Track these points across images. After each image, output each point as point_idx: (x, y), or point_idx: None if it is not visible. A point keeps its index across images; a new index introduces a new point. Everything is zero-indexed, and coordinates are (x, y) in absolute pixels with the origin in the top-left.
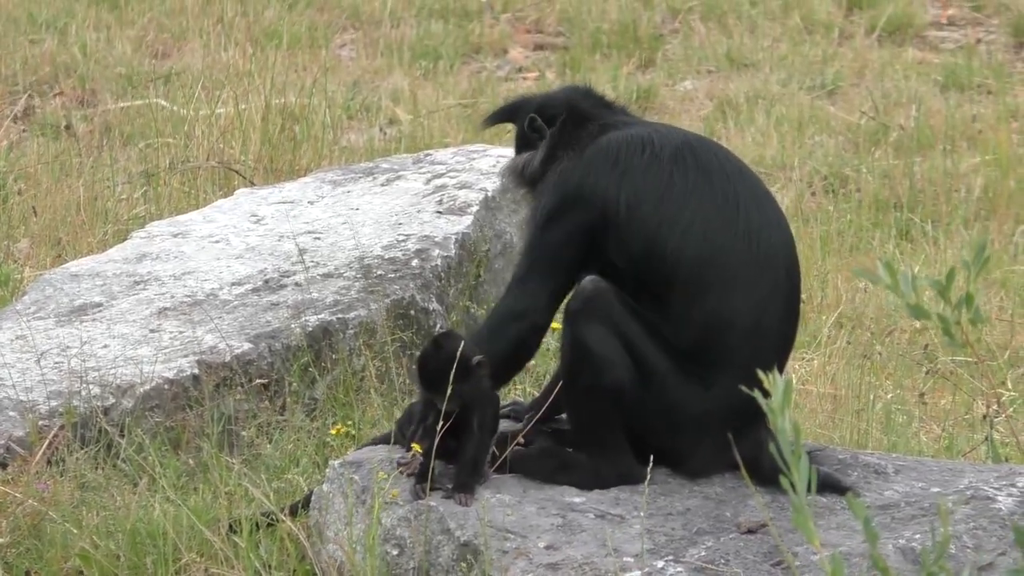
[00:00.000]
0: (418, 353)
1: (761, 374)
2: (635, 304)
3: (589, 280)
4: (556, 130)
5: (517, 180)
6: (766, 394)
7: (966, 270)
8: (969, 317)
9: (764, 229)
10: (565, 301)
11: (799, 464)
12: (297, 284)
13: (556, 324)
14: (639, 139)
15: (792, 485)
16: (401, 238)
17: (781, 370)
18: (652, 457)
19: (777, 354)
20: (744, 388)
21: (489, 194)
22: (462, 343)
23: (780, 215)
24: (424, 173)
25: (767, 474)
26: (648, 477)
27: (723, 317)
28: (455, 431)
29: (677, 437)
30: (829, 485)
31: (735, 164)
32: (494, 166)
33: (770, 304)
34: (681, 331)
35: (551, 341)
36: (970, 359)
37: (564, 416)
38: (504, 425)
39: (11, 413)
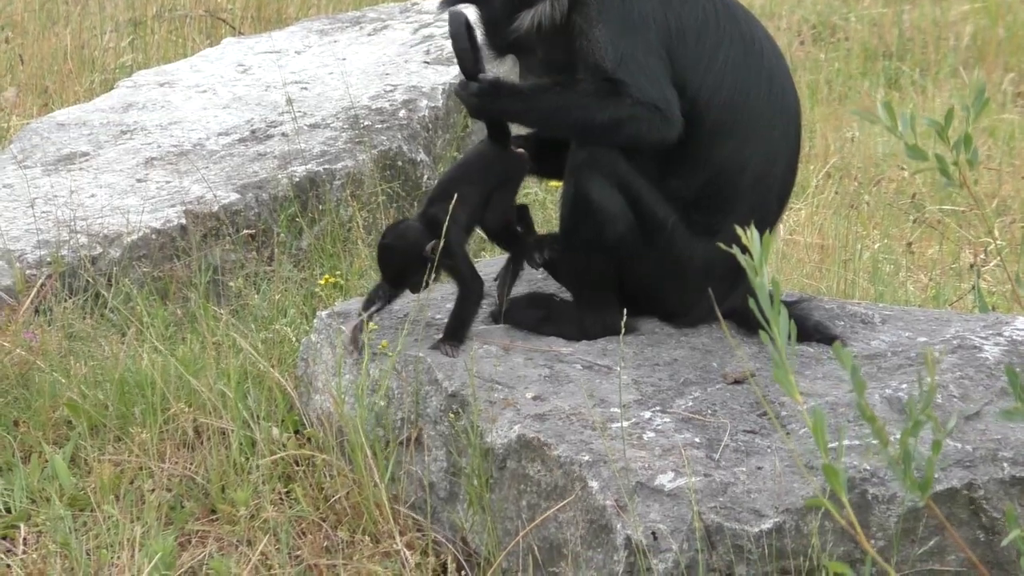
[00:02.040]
0: (376, 248)
1: (739, 229)
2: (642, 156)
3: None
4: None
5: (529, 36)
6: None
7: (964, 112)
8: (967, 158)
9: (779, 75)
10: (570, 154)
11: (779, 318)
12: (284, 134)
13: (556, 183)
14: None
15: (772, 339)
16: (388, 88)
17: (780, 218)
18: (639, 309)
19: (779, 201)
20: (722, 245)
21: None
22: (411, 234)
23: (787, 65)
24: (411, 22)
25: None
26: (636, 328)
27: (737, 162)
28: None
29: (681, 290)
30: (817, 334)
31: (748, 10)
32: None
33: (780, 150)
34: (692, 176)
35: (538, 191)
36: (958, 208)
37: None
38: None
39: None
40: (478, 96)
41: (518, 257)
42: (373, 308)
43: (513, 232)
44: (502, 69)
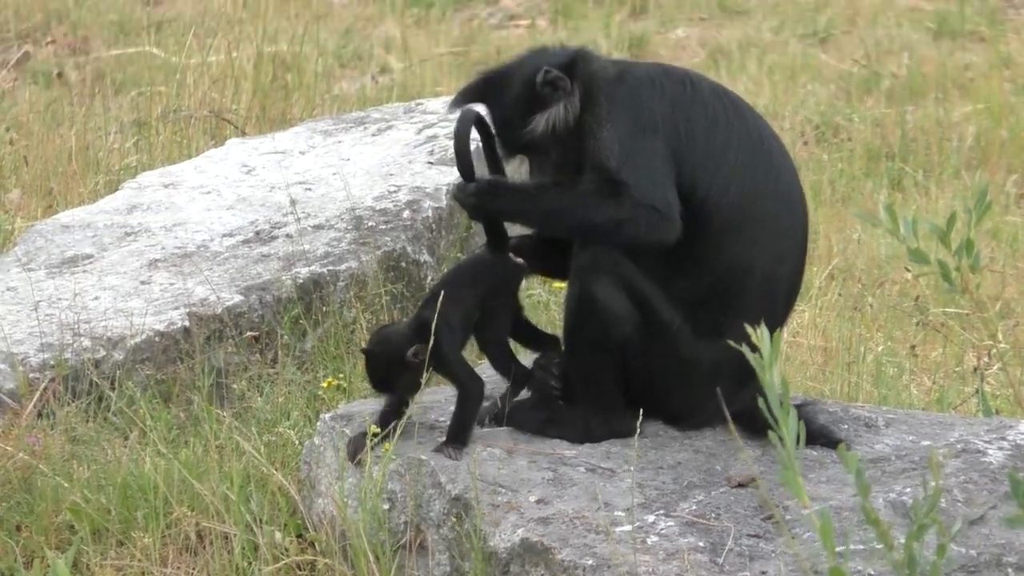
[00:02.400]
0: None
1: (748, 328)
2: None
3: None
4: (581, 73)
5: (544, 138)
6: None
7: (966, 216)
8: (969, 263)
9: (787, 175)
10: (574, 255)
11: (787, 419)
12: (288, 236)
13: (560, 284)
14: (675, 73)
15: (780, 440)
16: (392, 189)
17: (787, 319)
18: (643, 411)
19: (787, 302)
20: (731, 343)
21: (480, 145)
22: (392, 339)
23: (794, 164)
24: (415, 123)
25: (764, 426)
26: (640, 431)
27: (745, 262)
28: None
29: (686, 391)
30: (821, 437)
31: (755, 111)
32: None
33: (787, 251)
34: (699, 277)
35: (542, 292)
36: (962, 311)
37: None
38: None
39: (1, 366)
40: (476, 195)
41: (518, 382)
42: (390, 427)
43: (508, 354)
44: (508, 169)
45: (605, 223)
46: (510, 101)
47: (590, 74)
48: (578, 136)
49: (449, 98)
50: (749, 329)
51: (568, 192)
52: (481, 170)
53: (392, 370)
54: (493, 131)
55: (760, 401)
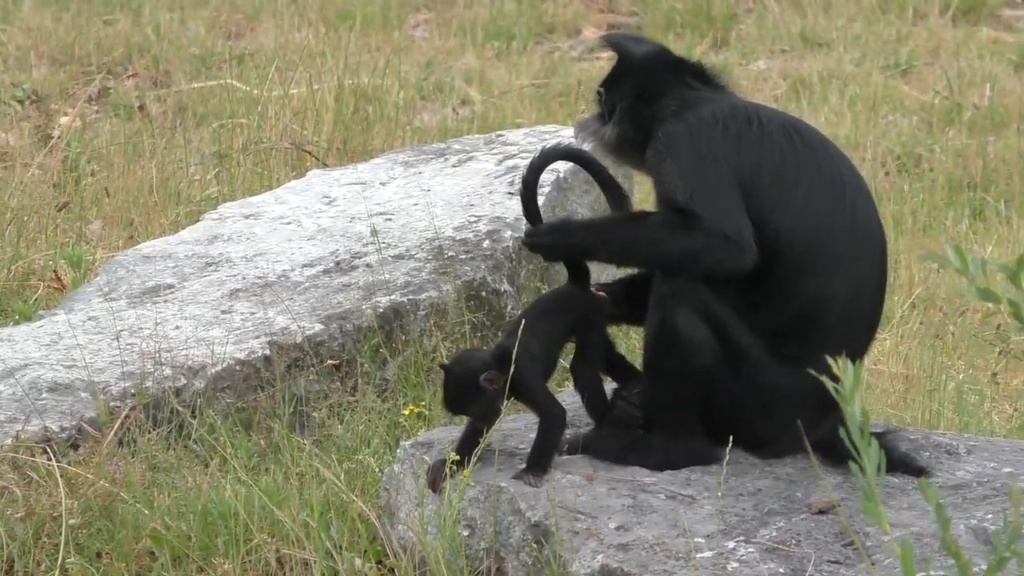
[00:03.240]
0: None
1: (830, 359)
2: (727, 287)
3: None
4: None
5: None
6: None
7: None
8: None
9: (862, 209)
10: (655, 285)
11: (868, 449)
12: (368, 265)
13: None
14: (743, 110)
15: (861, 469)
16: (472, 219)
17: (868, 349)
18: (724, 439)
19: (867, 334)
20: (813, 372)
21: (561, 175)
22: (472, 361)
23: (871, 195)
24: (496, 154)
25: (845, 454)
26: (720, 457)
27: (823, 297)
28: None
29: (766, 420)
30: (903, 465)
31: (830, 142)
32: None
33: (865, 284)
34: (778, 311)
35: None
36: None
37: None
38: None
39: (83, 394)
40: (549, 235)
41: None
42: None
43: (600, 390)
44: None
45: (679, 254)
46: None
47: (655, 106)
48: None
49: (529, 128)
50: (830, 360)
51: (640, 225)
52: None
53: (465, 392)
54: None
55: (842, 431)
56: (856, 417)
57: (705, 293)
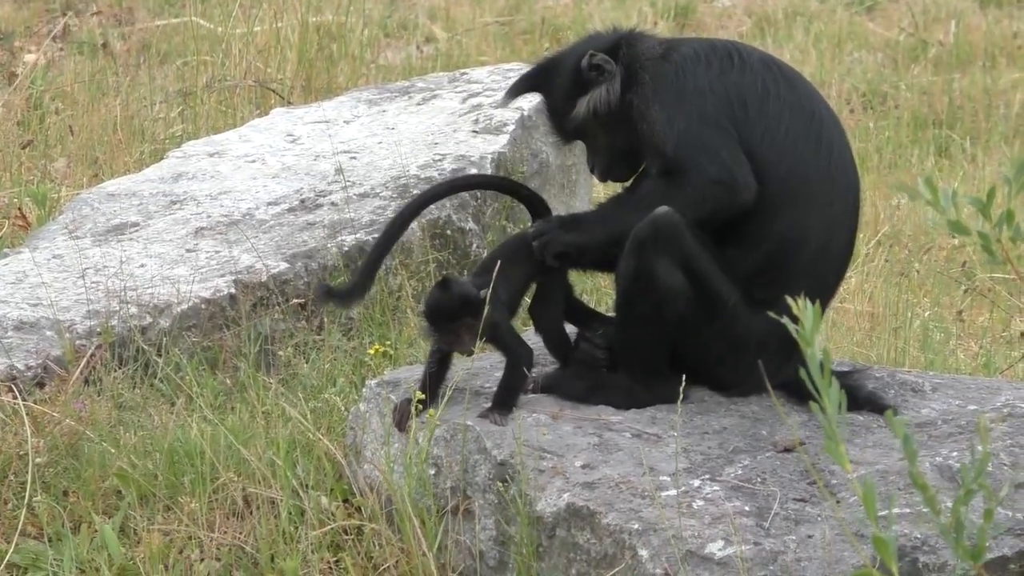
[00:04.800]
0: (424, 299)
1: (790, 299)
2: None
3: (662, 209)
4: (625, 55)
5: (588, 121)
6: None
7: (1006, 186)
8: (1010, 235)
9: (839, 147)
10: (634, 228)
11: (829, 389)
12: (333, 204)
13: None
14: (723, 47)
15: (822, 410)
16: (437, 157)
17: (837, 290)
18: (689, 377)
19: (837, 275)
20: (773, 315)
21: (525, 113)
22: (464, 283)
23: (847, 136)
24: (460, 92)
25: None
26: (687, 397)
27: (797, 234)
28: None
29: (736, 362)
30: (869, 404)
31: (807, 80)
32: None
33: (839, 223)
34: (752, 248)
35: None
36: (1009, 276)
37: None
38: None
39: (48, 333)
40: (563, 232)
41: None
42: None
43: (563, 333)
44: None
45: (679, 211)
46: (559, 88)
47: (634, 55)
48: (625, 118)
49: (493, 67)
50: (790, 301)
51: (636, 204)
52: None
53: (465, 302)
54: (546, 119)
55: (802, 372)
56: (816, 358)
57: (686, 239)
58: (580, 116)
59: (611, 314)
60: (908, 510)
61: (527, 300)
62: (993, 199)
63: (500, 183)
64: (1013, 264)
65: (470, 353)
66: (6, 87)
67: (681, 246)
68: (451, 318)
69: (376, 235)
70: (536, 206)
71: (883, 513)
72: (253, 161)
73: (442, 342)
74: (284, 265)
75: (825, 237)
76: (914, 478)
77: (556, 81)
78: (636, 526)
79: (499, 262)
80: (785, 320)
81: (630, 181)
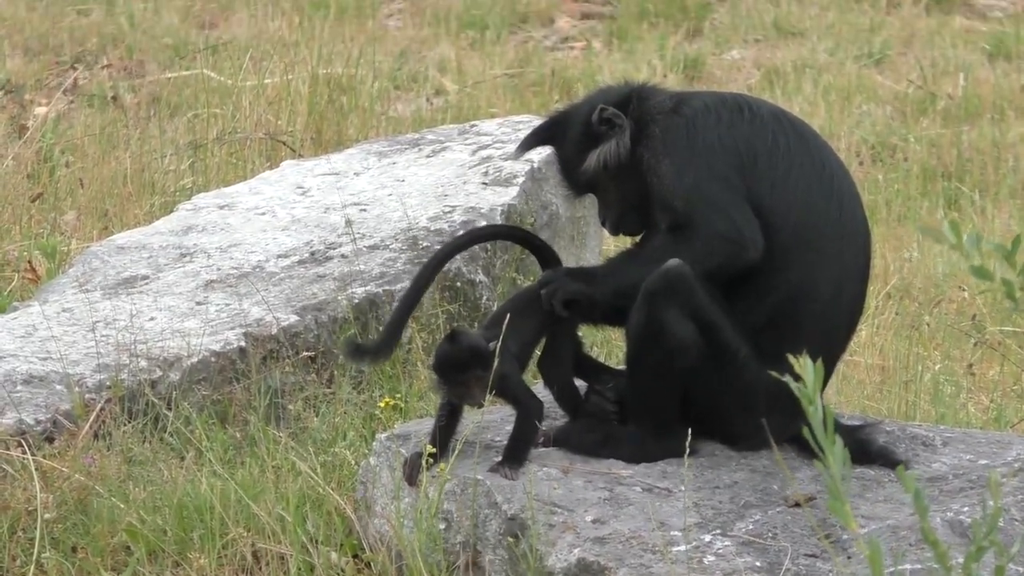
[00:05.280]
0: (434, 352)
1: (791, 358)
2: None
3: (674, 261)
4: (635, 108)
5: (598, 175)
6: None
7: None
8: None
9: (849, 199)
10: (645, 280)
11: (833, 447)
12: (343, 256)
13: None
14: (733, 100)
15: (827, 468)
16: (447, 209)
17: (848, 345)
18: (700, 431)
19: (848, 328)
20: (775, 374)
21: (535, 165)
22: (474, 336)
23: (857, 189)
24: (470, 144)
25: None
26: (696, 450)
27: (807, 288)
28: None
29: (747, 415)
30: (880, 458)
31: (817, 133)
32: None
33: (849, 276)
34: (763, 301)
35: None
36: (1019, 329)
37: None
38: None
39: (58, 387)
40: (574, 281)
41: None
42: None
43: (573, 388)
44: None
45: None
46: (570, 141)
47: (645, 109)
48: (636, 171)
49: (503, 119)
50: (792, 359)
51: (647, 259)
52: None
53: (474, 355)
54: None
55: (805, 431)
56: (818, 416)
57: (696, 291)
58: (591, 169)
59: (621, 367)
60: (919, 566)
61: (537, 353)
62: (1018, 246)
63: (511, 233)
64: None
65: (480, 406)
66: (17, 140)
67: (692, 298)
68: (460, 370)
69: (386, 287)
70: (547, 257)
71: (892, 569)
72: (263, 213)
73: (452, 395)
74: (294, 318)
75: (835, 289)
76: (925, 534)
77: (567, 134)
78: None
79: (508, 314)
80: (787, 378)
81: (641, 235)
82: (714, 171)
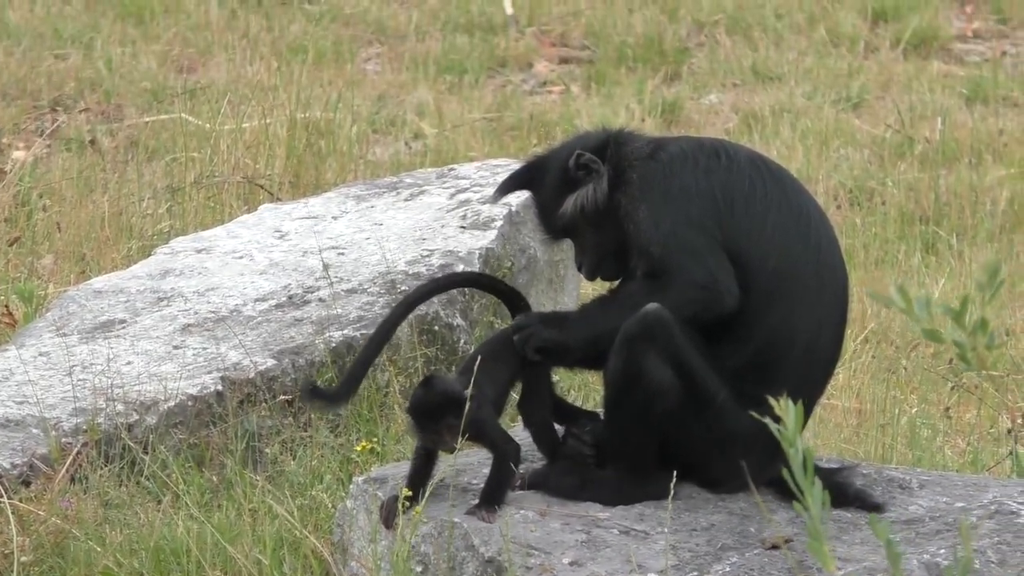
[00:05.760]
0: (409, 398)
1: (771, 400)
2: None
3: (652, 306)
4: (613, 154)
5: (575, 220)
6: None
7: (981, 292)
8: (985, 343)
9: (827, 244)
10: (624, 324)
11: (812, 489)
12: (321, 300)
13: None
14: (711, 145)
15: (806, 509)
16: (425, 253)
17: (825, 389)
18: (677, 473)
19: (826, 371)
20: (755, 415)
21: (513, 209)
22: (448, 382)
23: (835, 233)
24: (448, 188)
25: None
26: (672, 493)
27: (786, 331)
28: None
29: (724, 459)
30: (858, 501)
31: (795, 177)
32: None
33: (827, 321)
34: (741, 345)
35: None
36: (996, 373)
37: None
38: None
39: (34, 430)
40: (546, 328)
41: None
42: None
43: (552, 430)
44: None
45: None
46: (548, 186)
47: (622, 154)
48: (613, 217)
49: (481, 162)
50: (772, 401)
51: (621, 305)
52: None
53: (449, 401)
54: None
55: (785, 472)
56: (799, 458)
57: (674, 333)
58: (568, 214)
59: (597, 410)
60: None
61: (515, 396)
62: (967, 308)
63: (477, 279)
64: (988, 371)
65: (453, 451)
66: None
67: (670, 343)
68: (434, 417)
69: (364, 331)
70: (514, 301)
71: None
72: (241, 257)
73: (426, 441)
74: (271, 362)
75: (813, 334)
76: None
77: (545, 179)
78: None
79: (480, 359)
80: (767, 420)
81: (618, 281)
82: (690, 218)
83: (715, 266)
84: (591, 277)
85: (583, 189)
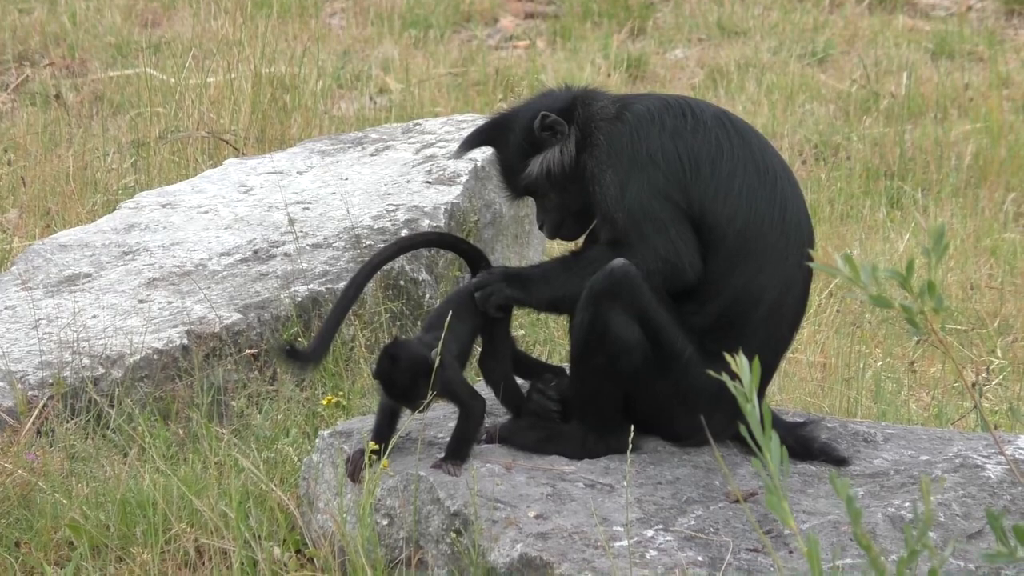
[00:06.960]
0: (375, 367)
1: (728, 356)
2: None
3: (619, 261)
4: (579, 115)
5: (540, 181)
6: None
7: (927, 257)
8: (932, 307)
9: (793, 203)
10: (590, 280)
11: (771, 445)
12: (286, 254)
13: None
14: (676, 104)
15: (764, 466)
16: (390, 208)
17: (791, 345)
18: (643, 428)
19: (792, 327)
20: (712, 373)
21: (478, 164)
22: (414, 347)
23: (801, 189)
24: (413, 143)
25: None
26: (639, 447)
27: (752, 290)
28: None
29: (690, 414)
30: (823, 455)
31: (760, 134)
32: None
33: (793, 279)
34: (708, 304)
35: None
36: (960, 327)
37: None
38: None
39: (0, 384)
40: (508, 286)
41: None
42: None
43: (514, 385)
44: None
45: None
46: (512, 145)
47: (589, 116)
48: (579, 178)
49: (447, 117)
50: (729, 357)
51: (583, 268)
52: None
53: (419, 373)
54: (498, 174)
55: (743, 429)
56: (755, 414)
57: (640, 289)
58: (533, 175)
59: (562, 365)
60: (861, 559)
61: (476, 351)
62: (912, 273)
63: (440, 239)
64: (937, 334)
65: (420, 409)
66: None
67: (637, 299)
68: (401, 385)
69: (329, 285)
70: (476, 259)
71: (832, 564)
72: (206, 212)
73: (393, 400)
74: (237, 316)
75: (779, 291)
76: (858, 539)
77: (509, 138)
78: None
79: (448, 317)
80: (725, 378)
81: (579, 240)
82: (656, 186)
83: (678, 238)
84: (552, 236)
85: (549, 151)
